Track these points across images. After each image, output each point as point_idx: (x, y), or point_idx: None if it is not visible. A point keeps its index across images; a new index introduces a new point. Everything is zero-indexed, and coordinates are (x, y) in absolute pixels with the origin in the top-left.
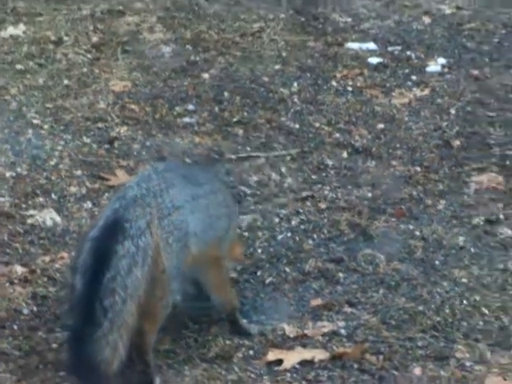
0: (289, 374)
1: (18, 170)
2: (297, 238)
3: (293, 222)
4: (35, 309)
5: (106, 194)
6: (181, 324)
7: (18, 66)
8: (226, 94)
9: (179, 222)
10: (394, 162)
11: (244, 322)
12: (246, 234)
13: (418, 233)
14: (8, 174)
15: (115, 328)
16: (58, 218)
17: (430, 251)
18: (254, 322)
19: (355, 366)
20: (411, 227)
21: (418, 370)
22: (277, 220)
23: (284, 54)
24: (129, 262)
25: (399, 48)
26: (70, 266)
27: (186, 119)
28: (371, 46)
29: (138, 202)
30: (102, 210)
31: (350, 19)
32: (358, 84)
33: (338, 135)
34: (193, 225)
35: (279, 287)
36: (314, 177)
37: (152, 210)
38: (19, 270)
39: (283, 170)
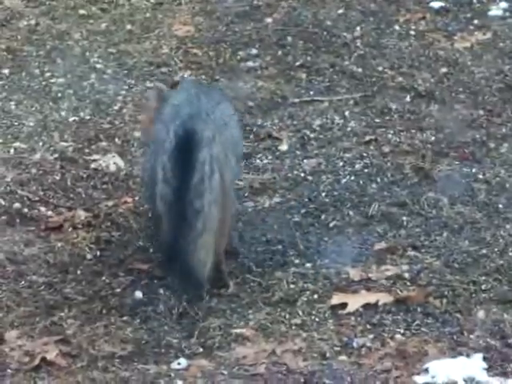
0: (353, 318)
1: (81, 114)
2: (360, 182)
3: (356, 166)
4: (98, 253)
5: None
6: (244, 268)
7: (81, 11)
8: (288, 38)
9: (231, 137)
10: (456, 106)
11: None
12: (309, 177)
13: (480, 176)
14: (71, 119)
15: (207, 230)
16: (121, 163)
17: (493, 194)
18: (318, 265)
19: (419, 309)
20: (474, 170)
21: (481, 314)
22: (340, 164)
23: None
24: (209, 168)
25: None
26: (147, 177)
27: (249, 63)
28: None
29: (197, 118)
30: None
31: None
32: (421, 28)
33: (400, 79)
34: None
35: (343, 231)
36: (377, 120)
37: (211, 126)
38: (82, 214)
39: (346, 113)
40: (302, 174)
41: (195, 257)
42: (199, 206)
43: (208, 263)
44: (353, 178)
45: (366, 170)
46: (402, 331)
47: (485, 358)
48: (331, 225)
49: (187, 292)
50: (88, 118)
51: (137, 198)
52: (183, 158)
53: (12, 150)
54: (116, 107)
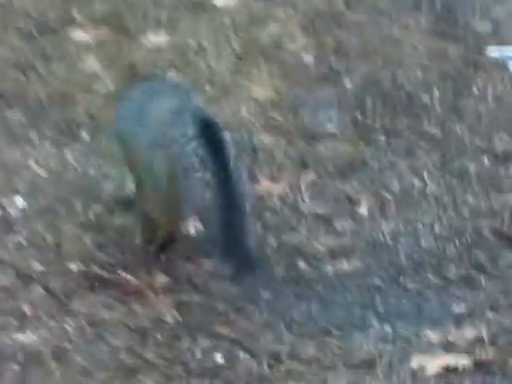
0: (433, 381)
1: None
2: (439, 245)
3: (435, 229)
4: (178, 317)
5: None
6: (324, 331)
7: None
8: (367, 101)
9: None
10: None
11: None
12: (389, 240)
13: None
14: None
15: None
16: (200, 227)
17: None
18: (397, 327)
19: (498, 372)
20: None
21: None
22: (420, 227)
23: (425, 61)
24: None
25: None
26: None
27: (329, 127)
28: (511, 52)
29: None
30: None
31: (490, 25)
32: (498, 90)
33: (478, 141)
34: None
35: (422, 293)
36: (455, 183)
37: None
38: (162, 278)
39: (425, 176)
40: (381, 238)
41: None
42: (241, 190)
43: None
44: (432, 241)
45: (444, 233)
46: None
47: None
48: (410, 287)
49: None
50: None
51: (216, 262)
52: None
53: (91, 214)
54: None
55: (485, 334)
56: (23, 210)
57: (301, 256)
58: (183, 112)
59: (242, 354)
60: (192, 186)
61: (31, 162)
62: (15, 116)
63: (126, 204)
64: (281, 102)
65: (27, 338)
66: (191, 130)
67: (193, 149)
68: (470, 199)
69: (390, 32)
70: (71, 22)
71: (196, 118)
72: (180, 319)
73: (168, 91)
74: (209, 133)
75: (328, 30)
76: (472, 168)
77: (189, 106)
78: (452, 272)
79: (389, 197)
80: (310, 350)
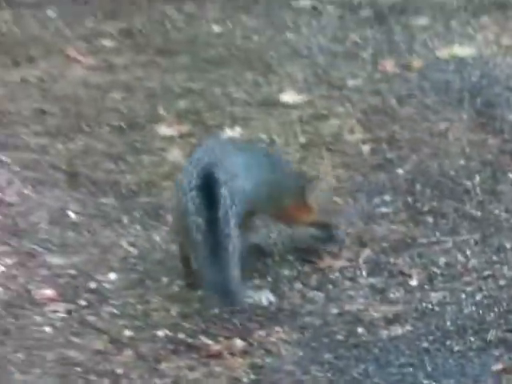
0: None
1: None
2: (480, 312)
3: (477, 298)
4: (253, 377)
5: (314, 276)
6: None
7: None
8: (417, 186)
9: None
10: None
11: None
12: (436, 308)
13: None
14: None
15: (236, 250)
16: (272, 298)
17: None
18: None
19: None
20: None
21: None
22: (463, 296)
23: (467, 151)
24: (231, 199)
25: None
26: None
27: (383, 209)
28: None
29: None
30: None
31: None
32: None
33: None
34: None
35: (465, 354)
36: (494, 258)
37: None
38: (239, 343)
39: (468, 252)
40: (430, 306)
41: (230, 274)
42: (228, 232)
43: (237, 278)
44: (474, 308)
45: (484, 301)
46: None
47: None
48: (455, 349)
49: (225, 303)
50: None
51: (287, 329)
52: (209, 192)
53: (176, 287)
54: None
55: None
56: (116, 284)
57: (359, 322)
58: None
59: None
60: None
61: (123, 242)
62: (109, 201)
63: None
64: (341, 187)
65: None
66: (194, 183)
67: (191, 197)
68: (506, 271)
69: (436, 125)
70: (157, 117)
71: (199, 174)
72: (255, 378)
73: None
74: (207, 184)
75: (382, 124)
76: (508, 244)
77: (201, 162)
78: (491, 335)
79: (436, 270)
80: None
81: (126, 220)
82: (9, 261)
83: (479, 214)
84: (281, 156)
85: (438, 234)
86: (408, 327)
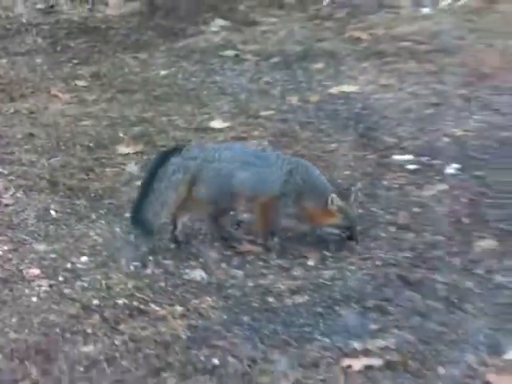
0: (357, 375)
1: None
2: (361, 285)
3: (358, 275)
4: (190, 335)
5: (236, 258)
6: (285, 342)
7: None
8: None
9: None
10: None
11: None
12: (328, 283)
13: None
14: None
15: (157, 202)
16: (204, 275)
17: None
18: (333, 340)
19: (402, 369)
20: None
21: None
22: (348, 273)
23: (352, 164)
24: (173, 169)
25: (427, 158)
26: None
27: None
28: (409, 157)
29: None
30: None
31: (395, 140)
32: (402, 182)
33: (387, 215)
34: None
35: (349, 317)
36: (372, 244)
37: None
38: (179, 309)
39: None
40: (323, 281)
41: (144, 216)
42: (155, 187)
43: (155, 222)
44: (356, 282)
45: (364, 277)
46: None
47: None
48: (342, 313)
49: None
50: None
51: (215, 298)
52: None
53: (132, 267)
54: None
55: (391, 344)
56: (86, 265)
57: (270, 293)
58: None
59: (231, 359)
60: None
61: (91, 233)
62: (81, 202)
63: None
64: None
65: (89, 349)
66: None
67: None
68: (381, 254)
69: (328, 145)
70: (118, 139)
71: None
72: (191, 335)
73: None
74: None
75: (288, 144)
76: (383, 233)
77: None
78: (370, 303)
79: (328, 253)
80: (275, 355)
81: (94, 216)
82: (5, 247)
83: (361, 211)
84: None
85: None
86: (306, 297)
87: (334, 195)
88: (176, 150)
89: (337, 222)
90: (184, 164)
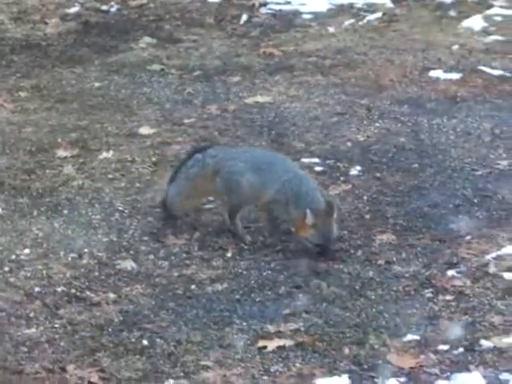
0: (271, 355)
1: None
2: (274, 274)
3: (272, 265)
4: (121, 319)
5: (163, 250)
6: (207, 325)
7: None
8: None
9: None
10: None
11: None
12: (244, 272)
13: None
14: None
15: (179, 187)
16: (134, 265)
17: None
18: (250, 323)
19: (310, 349)
20: None
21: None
22: (262, 264)
23: None
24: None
25: (333, 161)
26: None
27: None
28: (317, 160)
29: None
30: None
31: (303, 144)
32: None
33: None
34: None
35: (265, 303)
36: (283, 238)
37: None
38: (112, 295)
39: (266, 234)
40: (240, 270)
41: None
42: (177, 176)
43: (177, 201)
44: (270, 272)
45: (277, 267)
46: None
47: (349, 377)
48: (257, 300)
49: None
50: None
51: (144, 286)
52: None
53: (70, 258)
54: None
55: (301, 327)
56: (29, 256)
57: (193, 282)
58: None
59: (158, 340)
60: None
61: (33, 228)
62: (24, 200)
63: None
64: None
65: (31, 331)
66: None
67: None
68: (292, 247)
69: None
70: (56, 144)
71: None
72: (122, 319)
73: None
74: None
75: None
76: (292, 228)
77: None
78: (282, 290)
79: (244, 246)
80: (198, 337)
81: (35, 213)
82: None
83: None
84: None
85: (245, 221)
86: (225, 285)
87: (308, 211)
88: (203, 148)
89: (308, 237)
90: (204, 160)
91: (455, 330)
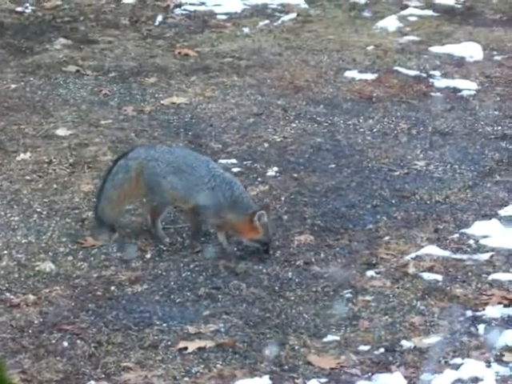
0: (191, 356)
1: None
2: (193, 275)
3: (191, 266)
4: (41, 320)
5: (81, 252)
6: (137, 325)
7: None
8: None
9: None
10: None
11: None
12: (164, 273)
13: None
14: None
15: (107, 197)
16: (53, 266)
17: None
18: (171, 324)
19: (231, 350)
20: None
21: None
22: (181, 265)
23: None
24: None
25: (250, 162)
26: None
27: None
28: (234, 161)
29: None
30: None
31: (221, 145)
32: None
33: None
34: None
35: (184, 304)
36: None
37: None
38: (31, 297)
39: (184, 235)
40: (159, 271)
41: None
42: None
43: (105, 212)
44: (189, 273)
45: (196, 268)
46: None
47: (270, 378)
48: (177, 301)
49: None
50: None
51: (63, 287)
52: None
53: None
54: None
55: (222, 328)
56: None
57: (112, 283)
58: None
59: (79, 342)
60: None
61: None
62: None
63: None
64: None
65: None
66: None
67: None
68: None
69: None
70: None
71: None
72: (42, 320)
73: None
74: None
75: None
76: (210, 230)
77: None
78: (202, 291)
79: (163, 247)
80: (118, 338)
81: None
82: None
83: None
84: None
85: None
86: (145, 286)
87: (262, 212)
88: (125, 154)
89: (257, 238)
90: (127, 164)
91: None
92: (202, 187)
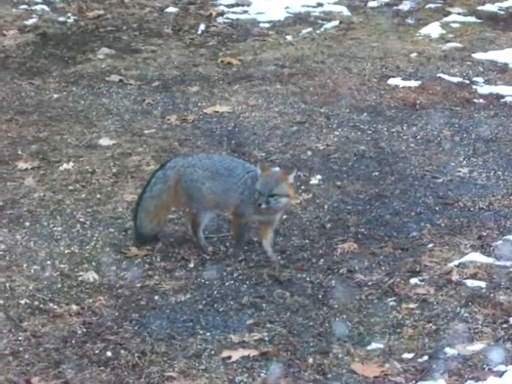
0: (235, 365)
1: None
2: (237, 284)
3: (234, 275)
4: (85, 330)
5: (125, 261)
6: (171, 336)
7: None
8: None
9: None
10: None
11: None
12: (207, 282)
13: None
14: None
15: (145, 208)
16: (96, 276)
17: None
18: (213, 334)
19: (275, 358)
20: None
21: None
22: (225, 273)
23: None
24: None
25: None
26: None
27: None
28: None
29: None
30: None
31: (264, 154)
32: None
33: None
34: None
35: (227, 313)
36: (245, 247)
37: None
38: (74, 307)
39: (227, 244)
40: (203, 281)
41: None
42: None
43: (144, 225)
44: (232, 282)
45: (240, 277)
46: None
47: None
48: (220, 310)
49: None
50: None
51: (106, 297)
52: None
53: (32, 270)
54: None
55: (265, 336)
56: None
57: (156, 292)
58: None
59: (122, 352)
60: None
61: None
62: None
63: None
64: None
65: None
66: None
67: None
68: (254, 256)
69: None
70: (17, 156)
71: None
72: (86, 331)
73: None
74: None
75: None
76: (254, 238)
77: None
78: (245, 300)
79: (206, 257)
80: (162, 348)
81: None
82: None
83: None
84: None
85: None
86: (188, 295)
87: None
88: (163, 165)
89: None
90: (165, 174)
91: None
92: (238, 185)
